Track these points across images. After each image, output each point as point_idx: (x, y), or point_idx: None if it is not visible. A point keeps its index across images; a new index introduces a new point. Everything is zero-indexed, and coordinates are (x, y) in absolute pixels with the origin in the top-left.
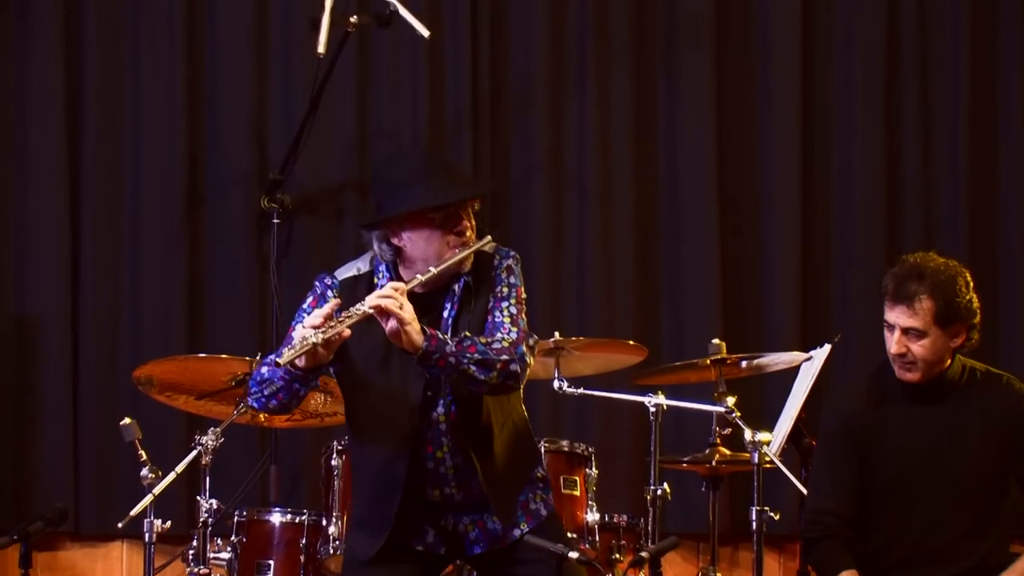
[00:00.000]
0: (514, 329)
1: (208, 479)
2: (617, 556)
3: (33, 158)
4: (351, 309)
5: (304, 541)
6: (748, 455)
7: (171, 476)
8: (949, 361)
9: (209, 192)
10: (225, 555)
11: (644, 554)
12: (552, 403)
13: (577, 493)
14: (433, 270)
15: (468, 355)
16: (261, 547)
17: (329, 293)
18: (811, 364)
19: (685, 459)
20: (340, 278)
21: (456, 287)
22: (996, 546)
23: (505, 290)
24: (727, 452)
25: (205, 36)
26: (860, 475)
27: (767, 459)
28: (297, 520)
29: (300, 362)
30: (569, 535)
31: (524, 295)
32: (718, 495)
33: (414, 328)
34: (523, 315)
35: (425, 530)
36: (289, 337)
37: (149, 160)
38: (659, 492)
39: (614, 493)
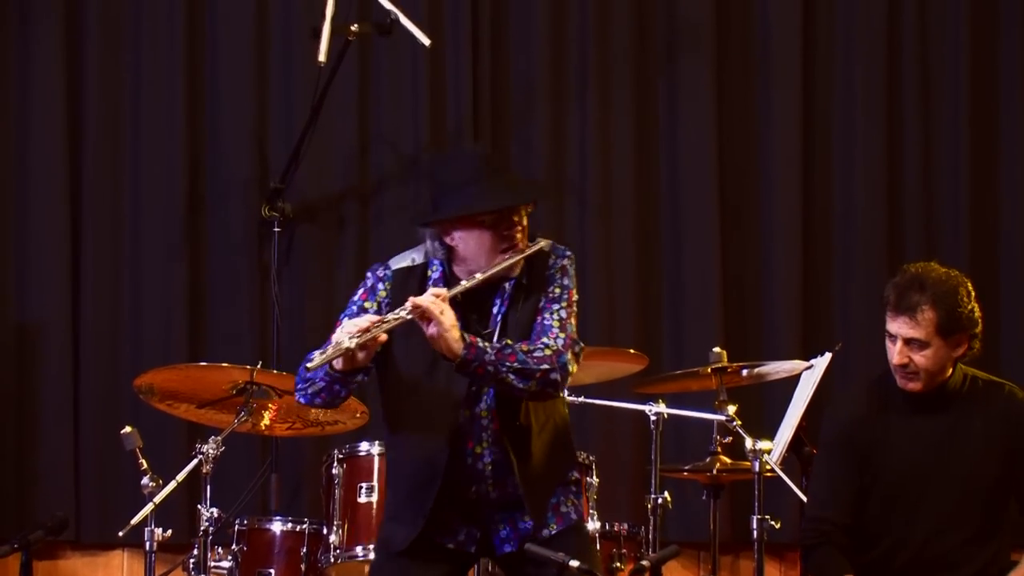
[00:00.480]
0: (561, 335)
1: (209, 488)
2: (618, 565)
3: (34, 166)
4: (390, 315)
5: (305, 550)
6: (749, 464)
7: (172, 485)
8: (951, 370)
9: (210, 200)
10: (226, 564)
11: (645, 563)
12: None
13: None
14: (479, 276)
15: (507, 364)
16: (262, 556)
17: (380, 287)
18: (812, 373)
19: (686, 468)
20: (394, 268)
21: (507, 285)
22: (998, 554)
23: (557, 291)
24: (728, 461)
25: (206, 44)
26: (861, 483)
27: (768, 468)
28: (298, 529)
29: (338, 364)
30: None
31: (576, 297)
32: (719, 504)
33: (452, 336)
34: (573, 319)
35: (457, 528)
36: (327, 343)
37: (150, 168)
38: (660, 501)
39: (615, 502)
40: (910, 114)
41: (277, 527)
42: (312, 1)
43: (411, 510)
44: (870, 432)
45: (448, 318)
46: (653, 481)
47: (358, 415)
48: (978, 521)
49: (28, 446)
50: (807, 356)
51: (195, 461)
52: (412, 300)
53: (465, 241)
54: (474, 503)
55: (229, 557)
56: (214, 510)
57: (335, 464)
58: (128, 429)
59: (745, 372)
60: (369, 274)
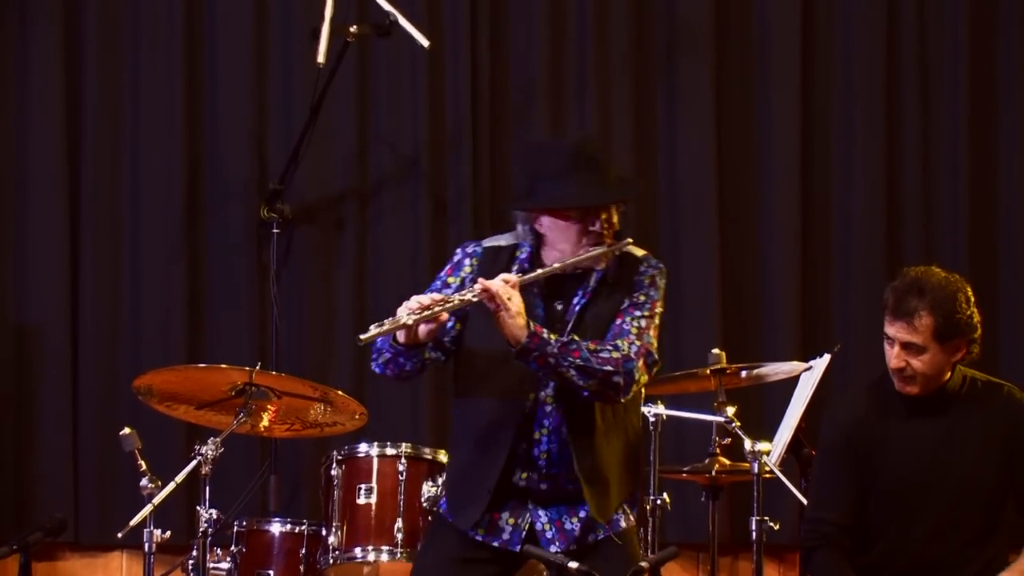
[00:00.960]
0: (637, 342)
1: (208, 489)
2: None
3: (33, 168)
4: (456, 295)
5: (304, 551)
6: (748, 465)
7: (171, 486)
8: (949, 374)
9: (209, 202)
10: (225, 565)
11: (644, 564)
12: None
13: None
14: (555, 266)
15: (570, 359)
16: (261, 557)
17: (466, 263)
18: (811, 374)
19: (685, 469)
20: (485, 245)
21: (592, 279)
22: (997, 555)
23: (642, 298)
24: (727, 462)
25: (205, 45)
26: (860, 485)
27: (767, 469)
28: (297, 530)
29: (400, 337)
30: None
31: (660, 310)
32: (718, 505)
33: (516, 323)
34: (652, 330)
35: (502, 526)
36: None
37: (149, 170)
38: (659, 502)
39: None
40: (909, 115)
41: (276, 528)
42: (311, 2)
43: (474, 486)
44: (869, 434)
45: (515, 304)
46: (652, 482)
47: (357, 416)
48: (977, 522)
49: (27, 447)
50: (806, 357)
51: (194, 462)
52: (481, 282)
53: (551, 230)
54: (522, 492)
55: (228, 558)
56: (213, 511)
57: (334, 465)
58: (127, 430)
59: (744, 373)
60: (459, 250)
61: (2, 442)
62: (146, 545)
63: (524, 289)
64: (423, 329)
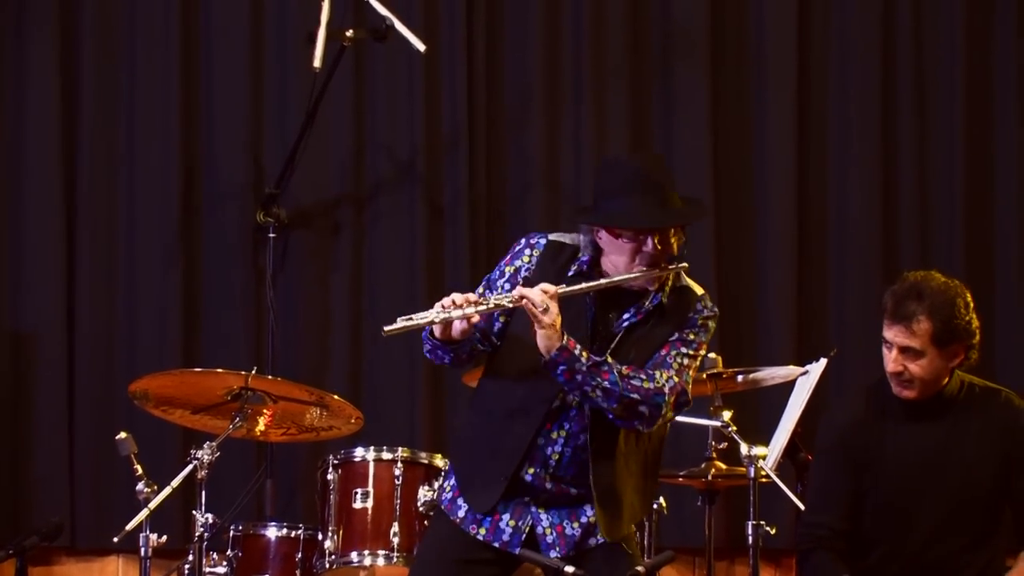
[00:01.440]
0: (675, 378)
1: (204, 493)
2: None
3: (29, 172)
4: (494, 297)
5: (300, 555)
6: (744, 469)
7: (167, 490)
8: (947, 378)
9: (205, 206)
10: (221, 569)
11: (640, 568)
12: None
13: None
14: (602, 282)
15: (598, 379)
16: (257, 562)
17: (526, 252)
18: (807, 378)
19: (681, 473)
20: (550, 238)
21: (648, 301)
22: (993, 560)
23: (691, 336)
24: (723, 466)
25: (201, 50)
26: (857, 489)
27: (763, 473)
28: (293, 534)
29: (436, 331)
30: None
31: (704, 352)
32: (714, 509)
33: (548, 334)
34: (692, 371)
35: (502, 529)
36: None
37: (145, 174)
38: (655, 506)
39: None
40: (905, 120)
41: (272, 533)
42: (307, 7)
43: (491, 473)
44: (867, 438)
45: (549, 316)
46: None
47: (353, 420)
48: (974, 527)
49: (23, 452)
50: (802, 362)
51: (190, 467)
52: (519, 290)
53: (608, 244)
54: (526, 488)
55: (224, 563)
56: (209, 516)
57: (330, 470)
58: (123, 435)
59: (740, 378)
60: (523, 239)
61: None
62: (142, 549)
63: (576, 296)
64: (457, 327)
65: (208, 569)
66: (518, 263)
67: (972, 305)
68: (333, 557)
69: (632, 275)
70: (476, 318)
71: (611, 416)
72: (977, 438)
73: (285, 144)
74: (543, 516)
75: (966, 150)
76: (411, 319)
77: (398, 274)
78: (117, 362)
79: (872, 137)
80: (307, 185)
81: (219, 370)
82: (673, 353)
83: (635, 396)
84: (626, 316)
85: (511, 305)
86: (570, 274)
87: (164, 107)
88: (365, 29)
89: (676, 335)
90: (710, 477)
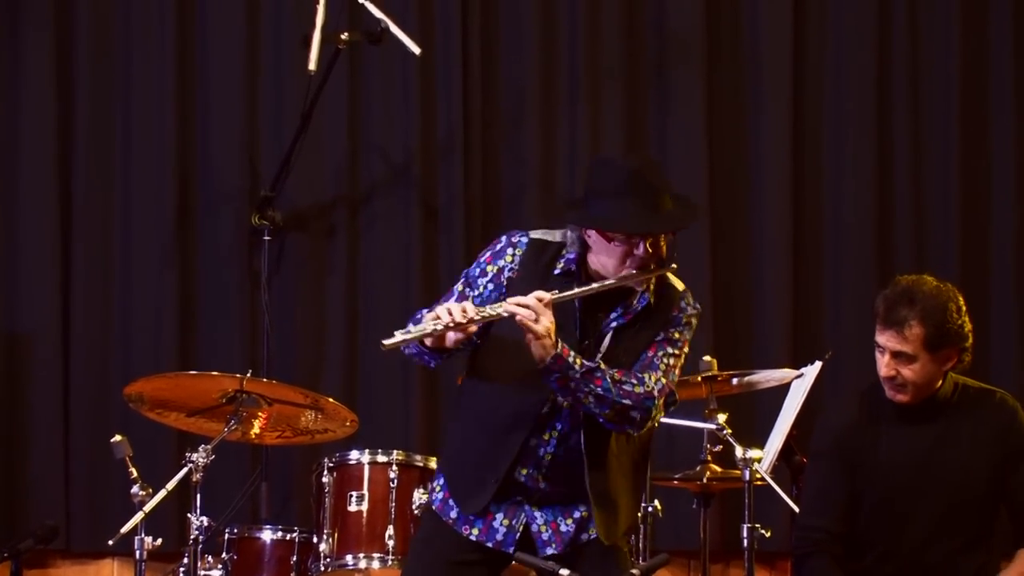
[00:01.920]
0: (662, 380)
1: (199, 496)
2: None
3: (24, 175)
4: (487, 308)
5: (295, 558)
6: (739, 472)
7: (162, 493)
8: (941, 381)
9: (200, 209)
10: (216, 572)
11: (635, 571)
12: None
13: None
14: (594, 286)
15: (591, 386)
16: (252, 564)
17: (507, 251)
18: (802, 381)
19: (676, 476)
20: (532, 236)
21: (635, 301)
22: (989, 562)
23: (676, 335)
24: (718, 469)
25: (196, 53)
26: (852, 492)
27: (758, 476)
28: (288, 537)
29: (428, 342)
30: None
31: (687, 351)
32: (709, 512)
33: (543, 342)
34: (678, 370)
35: (496, 529)
36: (435, 304)
37: (140, 177)
38: (650, 509)
39: None
40: (900, 123)
41: (267, 536)
42: (302, 9)
43: (481, 475)
44: (861, 441)
45: (542, 325)
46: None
47: (348, 423)
48: (969, 529)
49: (18, 455)
50: (797, 365)
51: (185, 470)
52: (511, 300)
53: (597, 244)
54: (519, 488)
55: (219, 566)
56: (204, 519)
57: (325, 473)
58: (118, 438)
59: (735, 381)
60: (503, 237)
61: None
62: (137, 552)
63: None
64: (451, 337)
65: (203, 572)
66: (501, 263)
67: (964, 308)
68: (328, 560)
69: (624, 276)
70: (473, 328)
71: (602, 420)
72: (971, 439)
73: (280, 147)
74: (537, 514)
75: (962, 152)
76: (409, 332)
77: (393, 277)
78: (112, 365)
79: (867, 139)
80: (302, 188)
81: (214, 373)
82: (660, 354)
83: (627, 402)
84: (613, 316)
85: (506, 315)
86: (556, 272)
87: (159, 109)
88: (360, 32)
89: (662, 335)
90: (705, 480)
